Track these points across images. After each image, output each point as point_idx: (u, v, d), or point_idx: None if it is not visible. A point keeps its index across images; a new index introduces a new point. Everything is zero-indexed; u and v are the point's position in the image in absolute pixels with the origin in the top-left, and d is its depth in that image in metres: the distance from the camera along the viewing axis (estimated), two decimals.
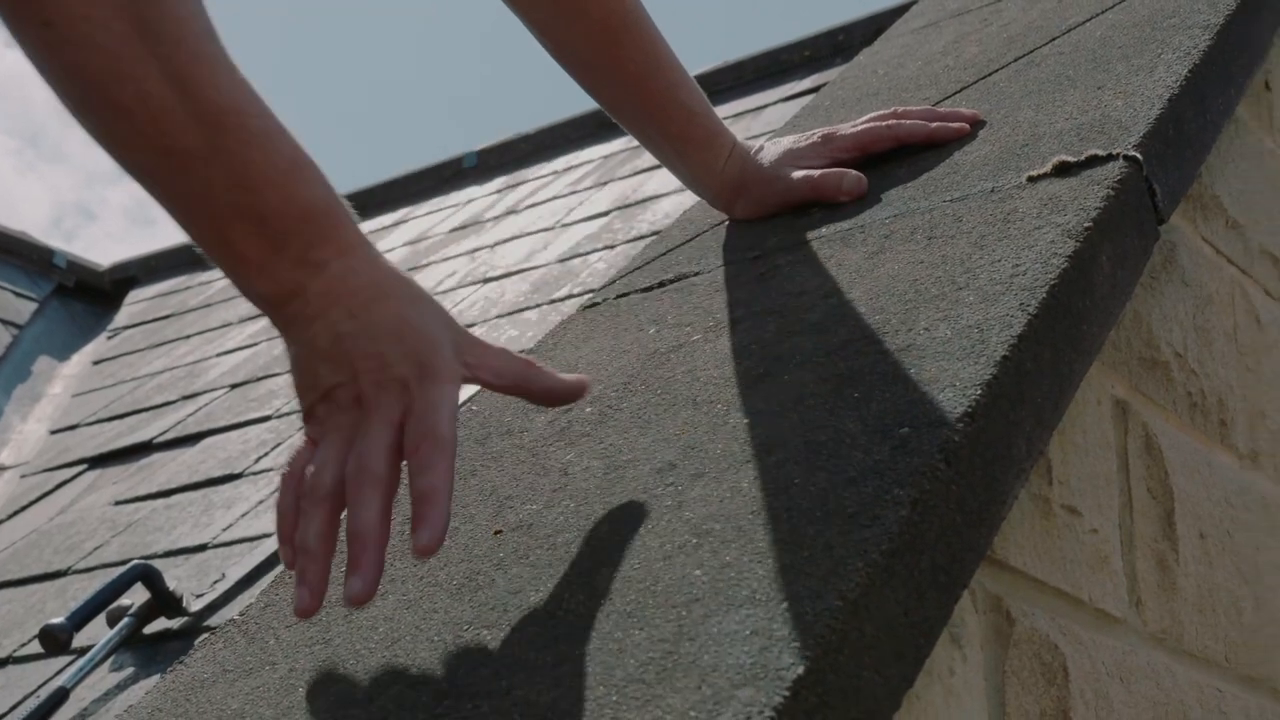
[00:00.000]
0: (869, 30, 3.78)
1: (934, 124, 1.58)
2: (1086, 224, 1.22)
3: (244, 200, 1.09)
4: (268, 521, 2.58)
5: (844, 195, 1.53)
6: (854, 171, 1.54)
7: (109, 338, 4.97)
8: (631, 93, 1.62)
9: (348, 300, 1.10)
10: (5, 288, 5.10)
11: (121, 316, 5.16)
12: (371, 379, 1.09)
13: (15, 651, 2.56)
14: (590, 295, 1.65)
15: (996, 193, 1.35)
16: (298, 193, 1.11)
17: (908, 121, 1.59)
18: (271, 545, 2.41)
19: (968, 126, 1.57)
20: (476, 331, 3.07)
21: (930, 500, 0.96)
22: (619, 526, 1.06)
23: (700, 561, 0.96)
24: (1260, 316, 1.69)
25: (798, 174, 1.57)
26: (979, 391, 1.03)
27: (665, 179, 3.52)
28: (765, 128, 3.63)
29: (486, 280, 3.53)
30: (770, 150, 1.63)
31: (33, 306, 5.07)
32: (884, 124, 1.60)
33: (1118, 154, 1.33)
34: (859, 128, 1.61)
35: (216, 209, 1.10)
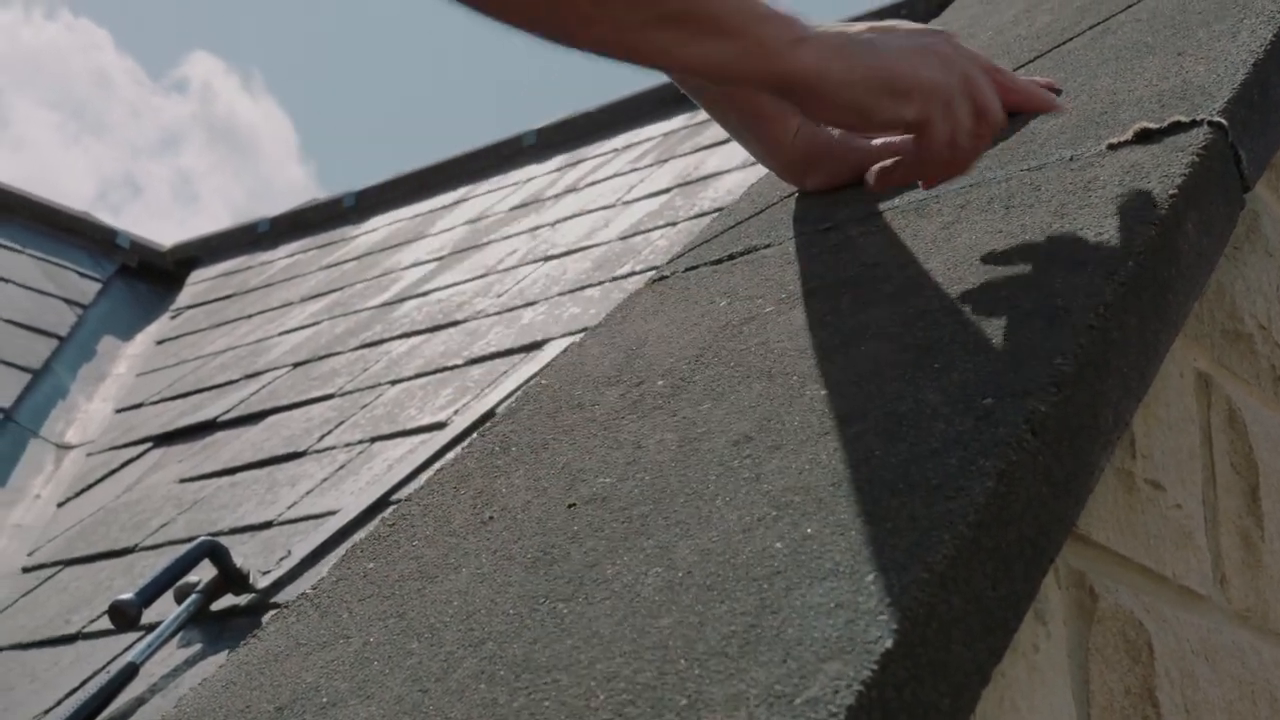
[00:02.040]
0: (935, 1, 3.75)
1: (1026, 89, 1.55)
2: (1171, 191, 1.20)
3: None
4: (333, 499, 2.58)
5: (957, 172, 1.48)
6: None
7: (172, 317, 5.00)
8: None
9: None
10: (69, 268, 5.13)
11: (184, 296, 5.19)
12: None
13: (85, 627, 2.58)
14: (654, 272, 1.63)
15: (1076, 160, 1.33)
16: None
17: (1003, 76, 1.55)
18: (337, 522, 2.41)
19: (1055, 99, 1.52)
20: (539, 309, 3.09)
21: (1017, 472, 0.94)
22: (695, 499, 1.04)
23: (781, 534, 0.94)
24: None
25: (876, 141, 1.53)
26: (1065, 361, 1.01)
27: (726, 156, 3.50)
28: None
29: (548, 258, 3.52)
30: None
31: (97, 287, 5.10)
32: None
33: (1202, 120, 1.30)
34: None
35: None
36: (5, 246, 4.98)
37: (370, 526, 2.29)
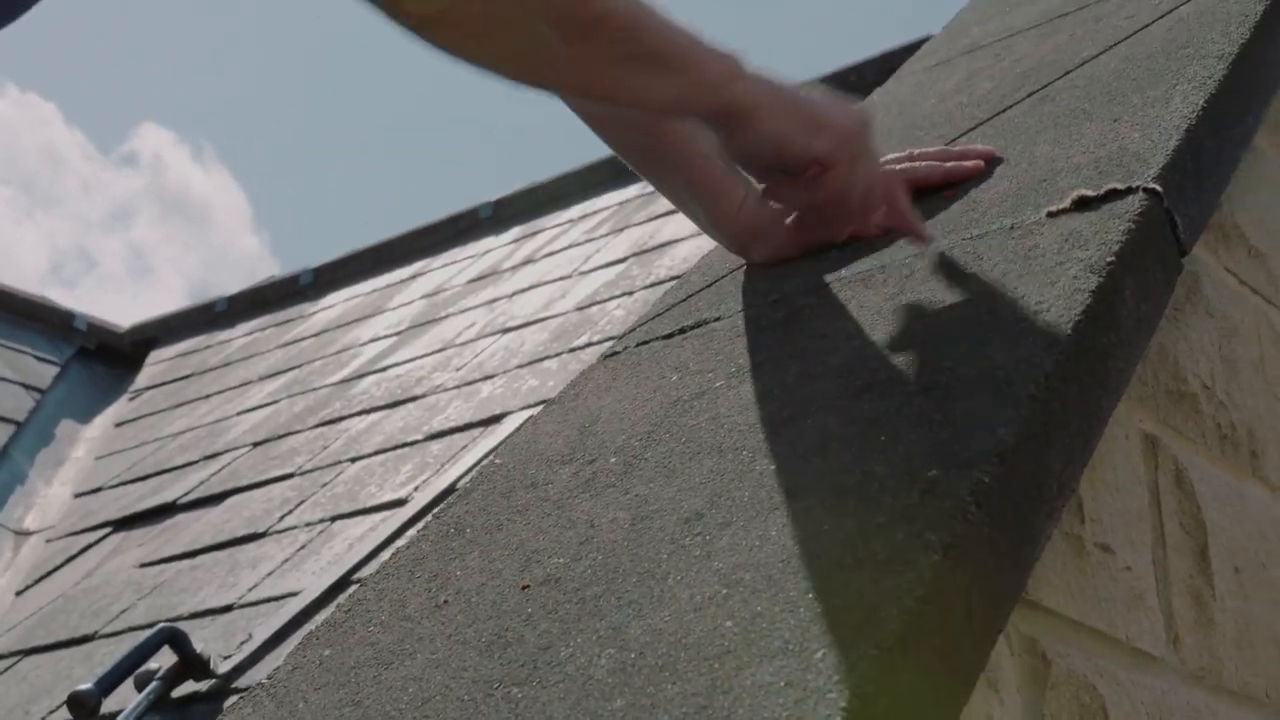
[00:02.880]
0: (881, 69, 3.78)
1: (949, 164, 1.57)
2: (1109, 258, 1.21)
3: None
4: (294, 580, 2.57)
5: (875, 230, 1.51)
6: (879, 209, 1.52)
7: (130, 399, 4.99)
8: (651, 137, 1.61)
9: None
10: (26, 352, 5.12)
11: (142, 378, 5.18)
12: None
13: (44, 718, 2.56)
14: (610, 343, 1.64)
15: (1016, 229, 1.34)
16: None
17: (922, 164, 1.57)
18: (299, 604, 2.41)
19: (983, 164, 1.55)
20: (497, 382, 3.09)
21: (962, 544, 0.94)
22: (647, 579, 1.05)
23: (731, 612, 0.95)
24: None
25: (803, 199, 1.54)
26: (1008, 432, 1.02)
27: (681, 224, 3.52)
28: None
29: (506, 330, 3.53)
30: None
31: (54, 370, 5.09)
32: (898, 167, 1.59)
33: (1137, 187, 1.31)
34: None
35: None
36: None
37: (332, 607, 2.29)
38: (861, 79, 3.96)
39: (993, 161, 1.56)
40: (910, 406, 1.10)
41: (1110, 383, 1.19)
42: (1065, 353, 1.10)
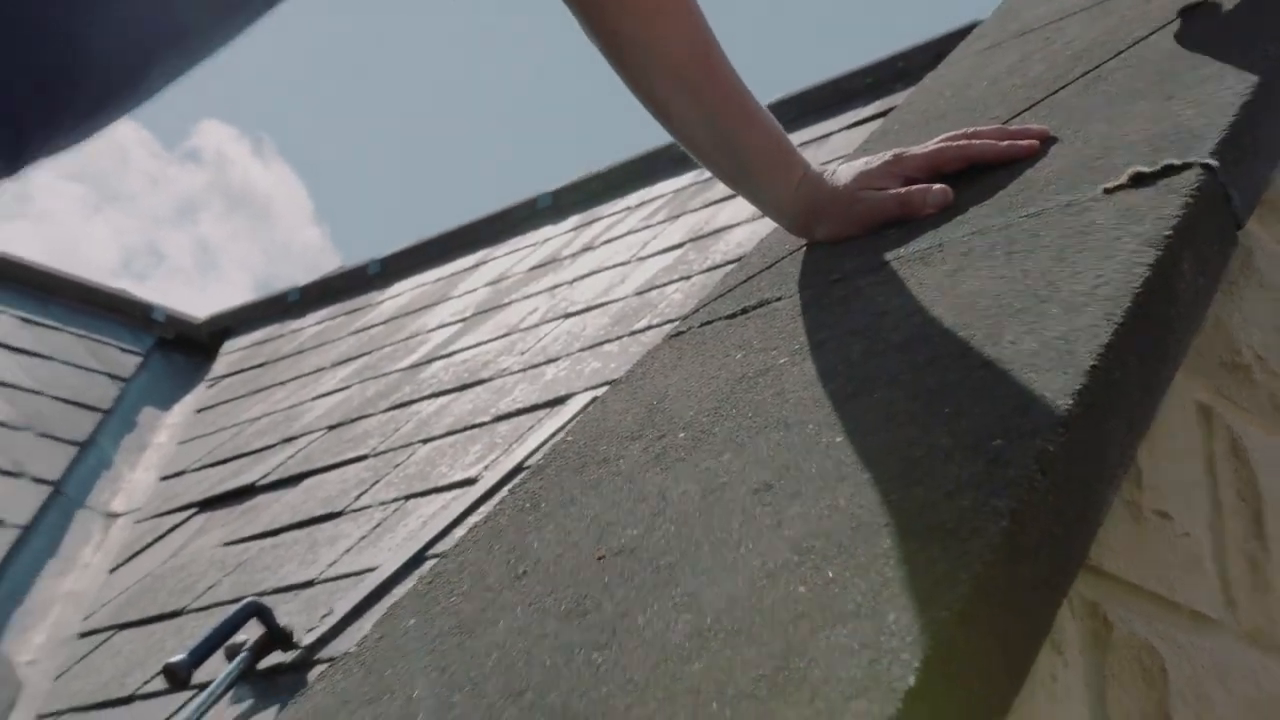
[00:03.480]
0: (929, 56, 3.76)
1: (1005, 142, 1.55)
2: (1166, 233, 1.20)
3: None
4: (371, 556, 2.59)
5: (930, 209, 1.50)
6: (938, 185, 1.52)
7: (209, 386, 5.02)
8: (715, 115, 1.61)
9: None
10: (109, 343, 5.16)
11: (219, 366, 5.21)
12: None
13: (139, 689, 2.59)
14: (670, 326, 1.64)
15: (1073, 206, 1.33)
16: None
17: (979, 141, 1.57)
18: (376, 579, 2.42)
19: (1038, 143, 1.54)
20: (561, 365, 3.09)
21: (1029, 511, 0.93)
22: (720, 548, 1.05)
23: (803, 578, 0.94)
24: None
25: (878, 194, 1.55)
26: (1070, 402, 1.01)
27: (736, 210, 3.52)
28: (830, 155, 3.61)
29: (567, 315, 3.54)
30: (843, 173, 1.60)
31: (136, 360, 5.13)
32: (955, 144, 1.57)
33: (1193, 162, 1.30)
34: (930, 148, 1.59)
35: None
36: (49, 326, 5.00)
37: (408, 581, 2.29)
38: (910, 65, 3.94)
39: (1048, 140, 1.55)
40: (973, 379, 1.10)
41: (1169, 354, 1.18)
42: (1125, 325, 1.09)
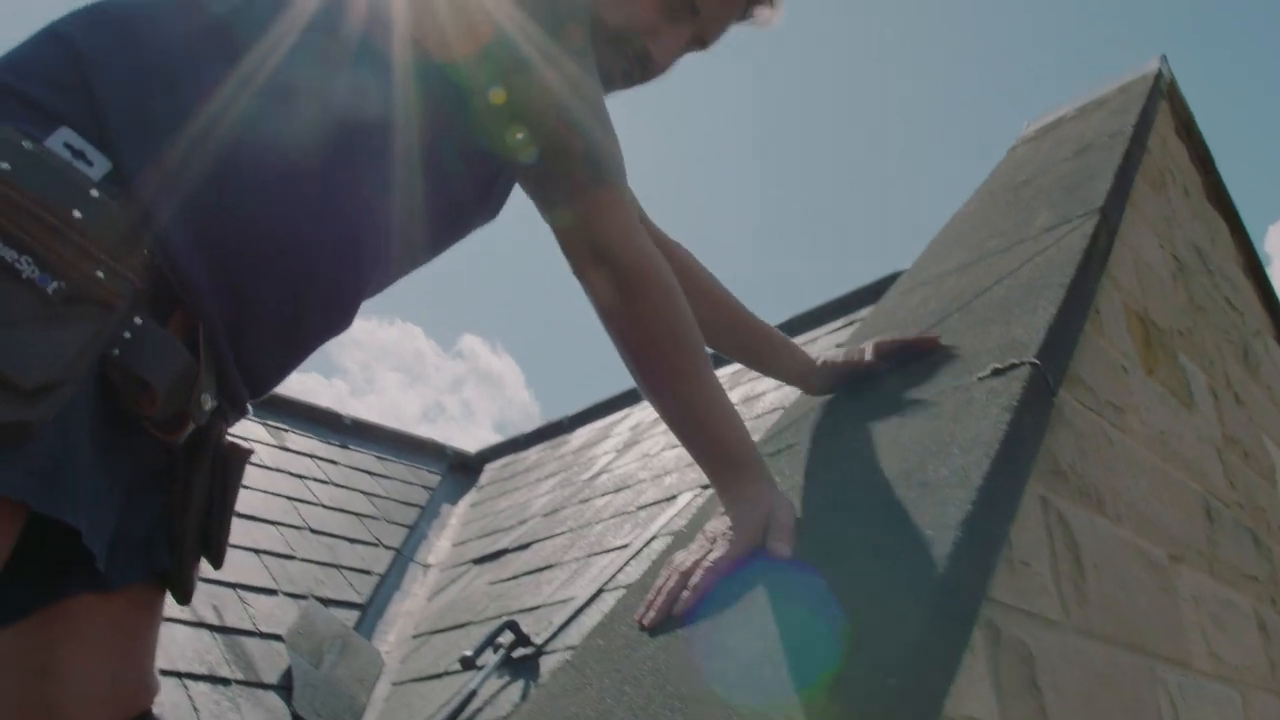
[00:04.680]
0: (871, 292, 3.74)
1: (916, 337, 1.52)
2: (1015, 403, 1.17)
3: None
4: (571, 590, 2.55)
5: (877, 363, 1.46)
6: (884, 344, 1.47)
7: (477, 491, 5.02)
8: (743, 333, 1.54)
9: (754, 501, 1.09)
10: (422, 468, 5.20)
11: (483, 479, 5.22)
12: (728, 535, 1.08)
13: (447, 669, 2.56)
14: None
15: (959, 387, 1.30)
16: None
17: (900, 336, 1.54)
18: (575, 605, 2.38)
19: (936, 340, 1.49)
20: (673, 475, 3.05)
21: (952, 575, 0.90)
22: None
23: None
24: (1110, 438, 1.60)
25: (849, 351, 1.51)
26: (970, 506, 0.98)
27: (768, 384, 3.49)
28: (820, 350, 3.58)
29: (674, 446, 3.51)
30: (831, 353, 1.57)
31: (438, 477, 5.15)
32: (889, 338, 1.54)
33: (1024, 361, 1.27)
34: (872, 341, 1.56)
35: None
36: (391, 460, 5.06)
37: (593, 606, 2.26)
38: (858, 298, 3.92)
39: (938, 344, 1.50)
40: (912, 494, 1.07)
41: (1022, 473, 1.14)
42: (997, 458, 1.06)
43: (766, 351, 1.56)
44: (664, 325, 1.07)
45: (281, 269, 1.00)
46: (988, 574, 1.00)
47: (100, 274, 0.88)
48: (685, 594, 1.04)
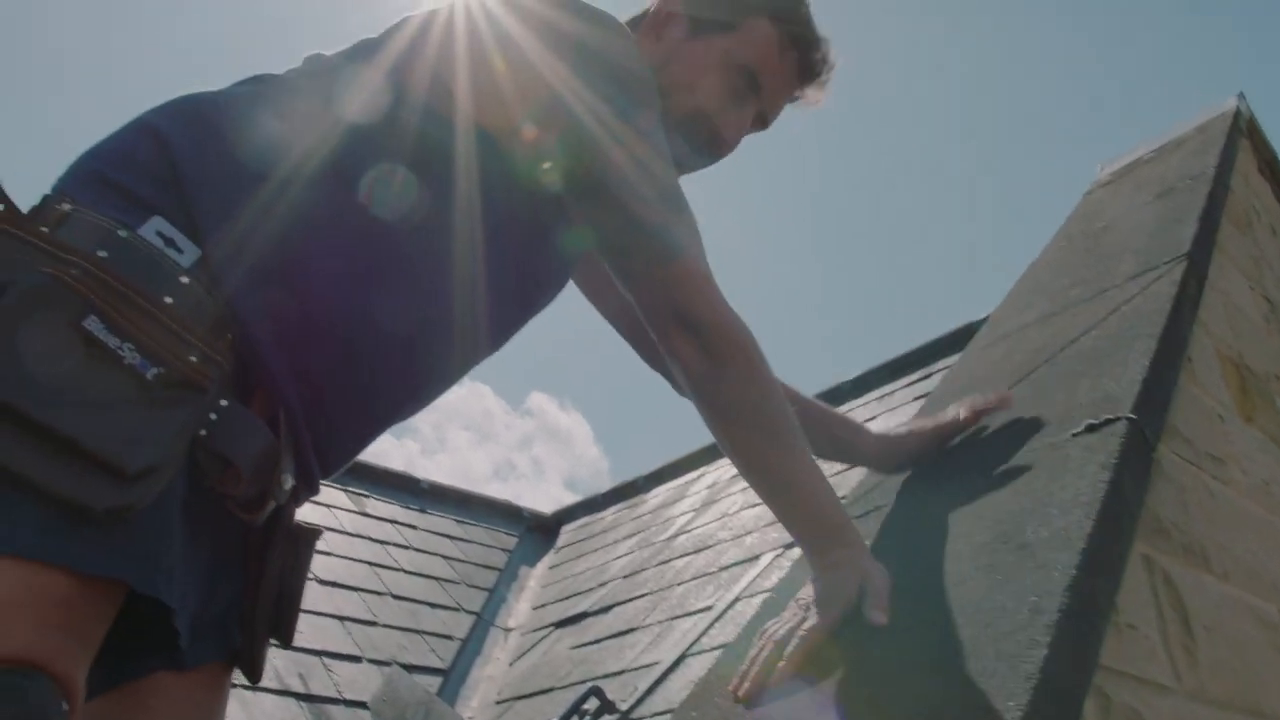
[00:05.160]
0: (944, 344, 3.68)
1: (995, 400, 1.45)
2: (1114, 460, 1.13)
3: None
4: (655, 654, 2.52)
5: (959, 430, 1.37)
6: (966, 413, 1.38)
7: (555, 552, 5.01)
8: (822, 423, 1.47)
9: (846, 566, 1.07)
10: (500, 530, 5.21)
11: (560, 540, 5.21)
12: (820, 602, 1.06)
13: None
14: None
15: (1054, 445, 1.27)
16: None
17: (979, 400, 1.45)
18: (660, 669, 2.35)
19: (1011, 398, 1.41)
20: (755, 535, 3.01)
21: (1060, 644, 0.87)
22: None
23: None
24: (1212, 491, 1.54)
25: (927, 428, 1.42)
26: (1074, 570, 0.95)
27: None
28: (893, 407, 3.52)
29: (756, 505, 3.47)
30: (900, 428, 1.47)
31: (515, 539, 5.16)
32: (968, 405, 1.45)
33: (1120, 416, 1.23)
34: (950, 413, 1.46)
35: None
36: (470, 523, 5.09)
37: (678, 671, 2.22)
38: (934, 350, 3.86)
39: (1012, 402, 1.42)
40: (1011, 557, 1.03)
41: (1126, 532, 1.10)
42: (1099, 520, 1.03)
43: (840, 435, 1.48)
44: (754, 391, 1.07)
45: (349, 356, 1.03)
46: (1099, 641, 0.96)
47: (194, 358, 0.92)
48: (781, 665, 1.02)
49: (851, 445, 1.47)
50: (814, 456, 1.41)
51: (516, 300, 1.20)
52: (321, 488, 1.09)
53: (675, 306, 1.07)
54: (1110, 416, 1.24)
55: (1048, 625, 0.87)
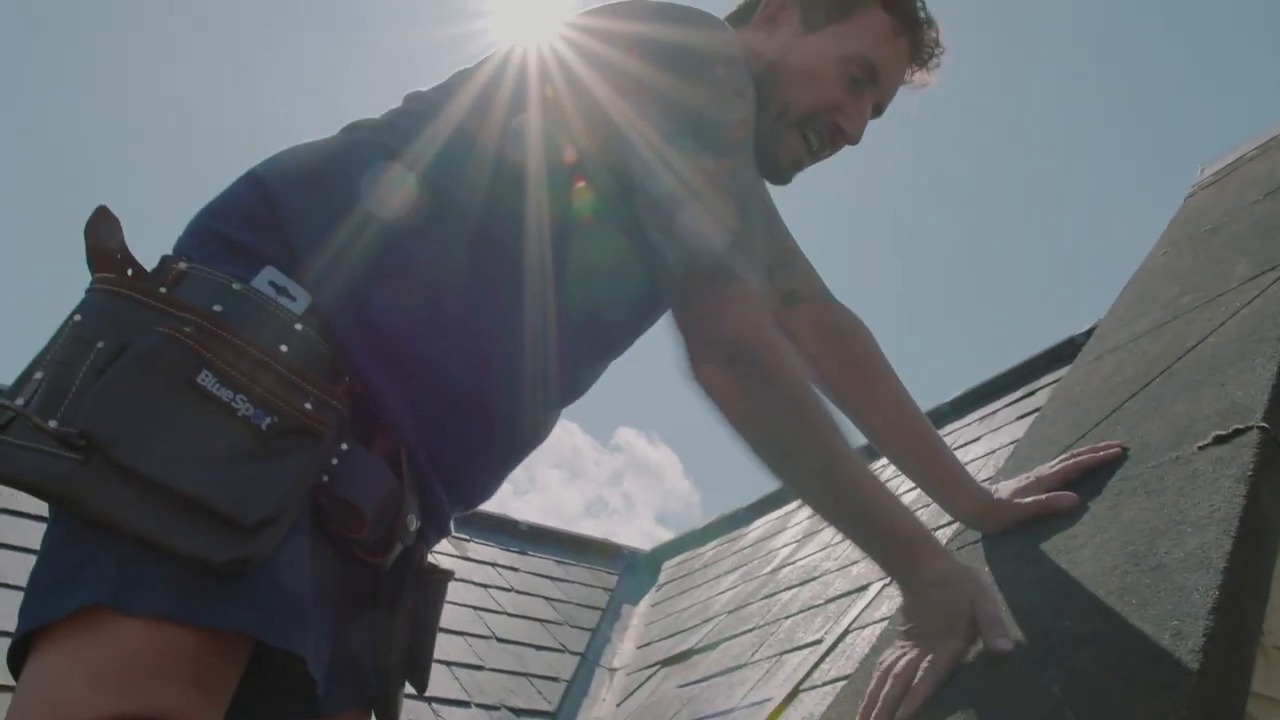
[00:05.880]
0: (1047, 359, 3.57)
1: (1101, 454, 1.31)
2: (1249, 472, 1.07)
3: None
4: (765, 691, 2.47)
5: (1065, 510, 1.24)
6: (1069, 494, 1.25)
7: (656, 590, 4.97)
8: (924, 464, 1.39)
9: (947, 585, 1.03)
10: (601, 569, 5.21)
11: (661, 577, 5.18)
12: (935, 630, 1.02)
13: None
14: None
15: (1180, 459, 1.21)
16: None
17: (1084, 457, 1.31)
18: (770, 706, 2.30)
19: (1119, 449, 1.29)
20: (861, 565, 2.94)
21: (1208, 667, 0.82)
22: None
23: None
24: None
25: (1028, 500, 1.29)
26: (1216, 591, 0.89)
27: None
28: (995, 428, 3.42)
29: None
30: (1002, 489, 1.35)
31: (616, 577, 5.15)
32: (1073, 462, 1.31)
33: (1251, 426, 1.17)
34: (1055, 469, 1.31)
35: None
36: (570, 564, 5.09)
37: (791, 709, 2.17)
38: (1036, 365, 3.75)
39: (1121, 455, 1.29)
40: (1144, 581, 0.98)
41: (1267, 548, 1.03)
42: (1239, 536, 0.97)
43: (946, 478, 1.37)
44: (791, 422, 1.00)
45: (465, 394, 1.04)
46: (1249, 667, 0.90)
47: (309, 405, 0.93)
48: (906, 703, 0.98)
49: (953, 502, 1.37)
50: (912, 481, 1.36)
51: (605, 328, 1.19)
52: (447, 537, 1.09)
53: (708, 333, 1.01)
54: (1240, 426, 1.18)
55: (1193, 651, 0.82)
